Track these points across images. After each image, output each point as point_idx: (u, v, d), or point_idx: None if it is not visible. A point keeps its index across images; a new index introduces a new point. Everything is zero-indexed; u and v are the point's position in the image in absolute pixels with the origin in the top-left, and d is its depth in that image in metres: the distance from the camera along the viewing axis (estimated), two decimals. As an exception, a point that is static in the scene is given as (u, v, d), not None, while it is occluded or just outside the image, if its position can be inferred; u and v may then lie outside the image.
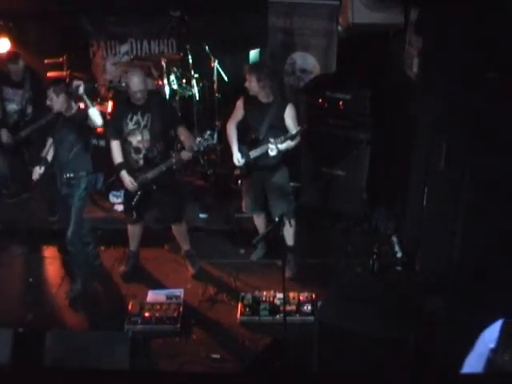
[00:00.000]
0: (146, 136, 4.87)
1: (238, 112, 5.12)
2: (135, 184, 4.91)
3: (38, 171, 4.97)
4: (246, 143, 5.06)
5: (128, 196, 5.12)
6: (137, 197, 5.00)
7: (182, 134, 4.98)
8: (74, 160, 4.91)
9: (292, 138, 4.84)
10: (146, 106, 4.87)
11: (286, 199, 5.11)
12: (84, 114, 4.85)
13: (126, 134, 4.91)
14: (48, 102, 4.85)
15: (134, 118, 4.87)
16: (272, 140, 4.78)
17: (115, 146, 4.98)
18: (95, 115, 4.76)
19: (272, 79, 4.96)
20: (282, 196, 5.11)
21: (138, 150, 4.92)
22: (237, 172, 5.16)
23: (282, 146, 4.83)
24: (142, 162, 4.94)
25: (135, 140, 4.90)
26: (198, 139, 4.75)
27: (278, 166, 5.09)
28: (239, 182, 5.38)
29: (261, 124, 4.95)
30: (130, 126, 4.87)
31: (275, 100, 4.93)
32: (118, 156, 4.98)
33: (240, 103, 5.10)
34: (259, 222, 5.45)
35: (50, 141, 5.03)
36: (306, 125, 4.93)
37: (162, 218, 5.48)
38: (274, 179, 5.11)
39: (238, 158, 5.02)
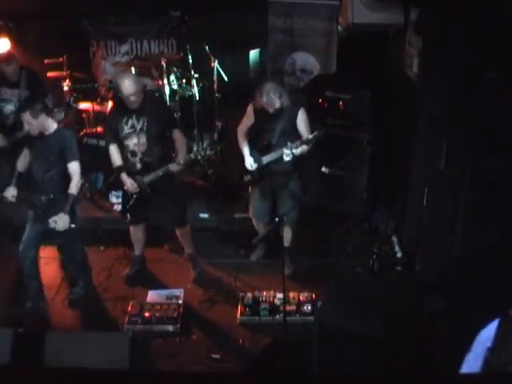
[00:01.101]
0: (142, 139, 4.82)
1: (249, 119, 5.03)
2: (135, 185, 4.88)
3: (10, 193, 4.70)
4: (258, 149, 4.98)
5: (124, 198, 5.10)
6: (132, 200, 4.97)
7: (177, 139, 4.91)
8: (49, 182, 4.66)
9: (308, 142, 4.76)
10: (141, 110, 4.79)
11: (295, 207, 5.04)
12: (64, 134, 4.70)
13: (123, 138, 4.85)
14: (26, 128, 4.64)
15: (130, 122, 4.80)
16: (288, 144, 4.70)
17: (113, 149, 4.95)
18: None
19: (284, 84, 4.91)
20: (292, 204, 5.02)
21: (133, 154, 4.87)
22: (247, 178, 5.08)
23: (297, 151, 4.76)
24: (139, 165, 4.89)
25: (131, 143, 4.84)
26: (195, 148, 4.70)
27: (293, 172, 5.01)
28: (249, 188, 5.26)
29: (273, 130, 4.87)
30: (126, 129, 4.82)
31: (287, 105, 4.82)
32: (116, 159, 4.96)
33: (250, 109, 5.00)
34: (260, 226, 5.37)
35: (24, 152, 4.79)
36: (324, 129, 4.84)
37: (164, 222, 5.41)
38: (287, 186, 5.03)
39: (250, 163, 4.95)
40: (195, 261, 5.42)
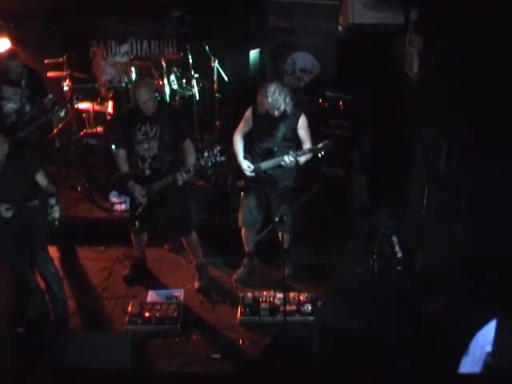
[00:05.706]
0: (153, 145, 4.75)
1: (246, 123, 4.91)
2: (144, 192, 4.81)
3: None
4: (257, 155, 4.89)
5: (132, 206, 5.01)
6: (141, 208, 4.90)
7: (186, 149, 4.83)
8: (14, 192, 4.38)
9: (316, 151, 4.70)
10: (155, 117, 4.72)
11: (291, 213, 4.96)
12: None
13: (135, 144, 4.80)
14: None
15: (143, 129, 4.75)
16: (291, 152, 4.64)
17: (121, 155, 4.91)
18: None
19: (286, 86, 4.85)
20: (288, 210, 4.85)
21: (143, 159, 4.81)
22: (240, 183, 4.99)
23: (302, 159, 4.71)
24: (148, 171, 4.84)
25: (141, 148, 4.79)
26: (206, 155, 4.61)
27: (290, 178, 4.95)
28: (241, 193, 5.12)
29: (274, 135, 4.76)
30: (139, 136, 4.76)
31: (289, 110, 4.70)
32: (124, 166, 4.92)
33: (249, 114, 4.88)
34: (250, 235, 5.22)
35: None
36: (332, 139, 4.73)
37: (169, 230, 5.32)
38: (282, 193, 4.96)
39: (247, 165, 4.84)
40: (202, 271, 5.29)
